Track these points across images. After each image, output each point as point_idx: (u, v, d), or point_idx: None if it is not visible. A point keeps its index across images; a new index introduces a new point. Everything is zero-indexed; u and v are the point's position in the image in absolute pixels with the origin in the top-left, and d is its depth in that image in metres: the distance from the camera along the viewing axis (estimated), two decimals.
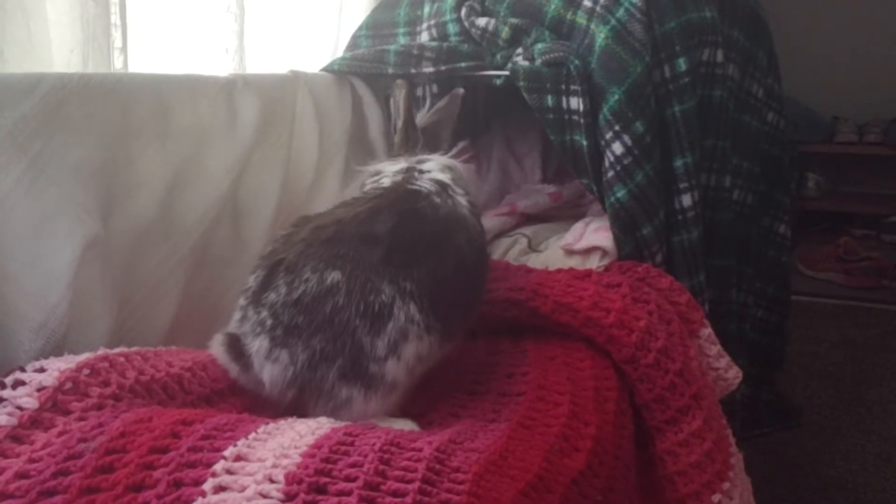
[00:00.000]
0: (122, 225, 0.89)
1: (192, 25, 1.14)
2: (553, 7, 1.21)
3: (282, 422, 0.65)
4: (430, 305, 0.74)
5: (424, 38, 1.33)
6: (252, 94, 1.06)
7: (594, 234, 1.18)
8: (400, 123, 0.99)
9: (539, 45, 1.17)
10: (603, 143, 1.12)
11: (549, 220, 1.42)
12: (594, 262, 1.15)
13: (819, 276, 2.88)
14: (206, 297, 1.02)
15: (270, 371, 0.72)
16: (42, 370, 0.67)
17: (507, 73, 1.20)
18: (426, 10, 1.34)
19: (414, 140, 1.00)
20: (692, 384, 0.90)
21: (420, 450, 0.58)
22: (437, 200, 0.83)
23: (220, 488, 0.53)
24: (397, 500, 0.52)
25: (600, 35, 1.12)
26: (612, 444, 0.75)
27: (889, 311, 2.59)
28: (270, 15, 1.32)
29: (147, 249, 0.92)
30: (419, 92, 1.47)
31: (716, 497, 0.87)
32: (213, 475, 0.54)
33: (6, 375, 0.66)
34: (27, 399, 0.63)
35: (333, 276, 0.72)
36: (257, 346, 0.73)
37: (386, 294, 0.72)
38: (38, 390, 0.64)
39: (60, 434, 0.60)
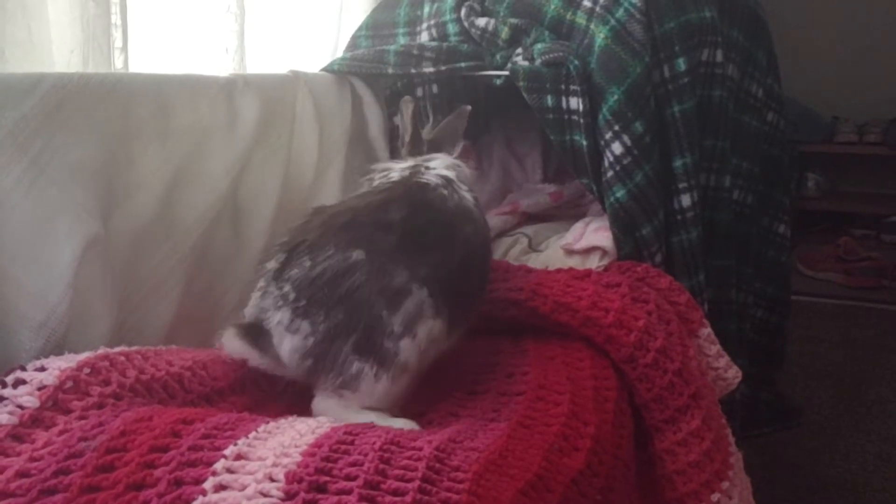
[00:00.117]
0: (122, 224, 0.89)
1: (192, 25, 1.15)
2: (553, 7, 1.21)
3: (282, 421, 0.65)
4: (440, 291, 0.77)
5: (424, 38, 1.33)
6: (252, 94, 1.07)
7: (594, 233, 1.18)
8: (407, 138, 1.01)
9: (539, 46, 1.18)
10: (602, 143, 1.12)
11: (549, 220, 1.42)
12: (594, 262, 1.16)
13: (819, 276, 2.88)
14: (206, 296, 1.03)
15: (290, 341, 0.74)
16: (43, 369, 0.67)
17: (506, 73, 1.20)
18: (426, 10, 1.34)
19: (420, 152, 1.01)
20: (691, 384, 0.90)
21: (420, 449, 0.58)
22: (445, 193, 0.87)
23: (221, 487, 0.54)
24: (397, 498, 0.52)
25: (600, 35, 1.12)
26: (612, 443, 0.75)
27: (889, 311, 2.59)
28: (271, 15, 1.32)
29: (147, 249, 0.93)
30: (419, 92, 1.47)
31: (715, 496, 0.88)
32: (214, 474, 0.54)
33: (7, 374, 0.66)
34: (28, 398, 0.63)
35: (356, 254, 0.74)
36: (279, 317, 0.75)
37: (402, 276, 0.75)
38: (39, 389, 0.64)
39: (61, 433, 0.60)
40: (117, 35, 0.95)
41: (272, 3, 1.32)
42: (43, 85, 0.78)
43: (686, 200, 1.15)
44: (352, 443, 0.58)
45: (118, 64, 0.96)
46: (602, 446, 0.72)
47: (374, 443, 0.58)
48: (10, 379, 0.65)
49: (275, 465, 0.55)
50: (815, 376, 2.09)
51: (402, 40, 1.36)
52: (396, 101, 1.38)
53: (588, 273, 1.03)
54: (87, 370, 0.68)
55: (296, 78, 1.19)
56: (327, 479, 0.54)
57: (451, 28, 1.29)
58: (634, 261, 1.13)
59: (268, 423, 0.63)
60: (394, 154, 1.27)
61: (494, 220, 1.36)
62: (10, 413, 0.62)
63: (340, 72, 1.30)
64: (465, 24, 1.27)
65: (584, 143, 1.13)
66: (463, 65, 1.25)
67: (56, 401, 0.64)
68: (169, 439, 0.58)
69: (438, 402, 0.82)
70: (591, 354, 0.90)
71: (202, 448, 0.57)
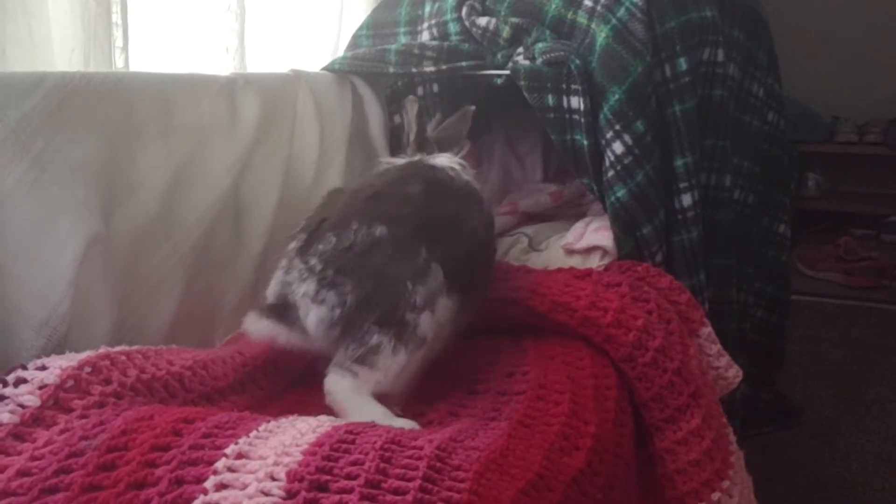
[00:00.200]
0: (123, 223, 0.89)
1: (193, 24, 1.14)
2: (554, 6, 1.21)
3: (283, 420, 0.65)
4: (452, 272, 0.80)
5: (425, 37, 1.33)
6: (253, 93, 1.07)
7: (594, 233, 1.18)
8: (412, 136, 1.02)
9: (540, 45, 1.18)
10: (603, 142, 1.12)
11: (549, 220, 1.42)
12: (594, 262, 1.16)
13: (819, 276, 2.88)
14: (206, 295, 1.03)
15: (317, 312, 0.75)
16: (44, 368, 0.67)
17: (507, 72, 1.20)
18: (427, 9, 1.34)
19: (425, 150, 1.01)
20: (690, 383, 0.90)
21: (421, 448, 0.58)
22: (452, 174, 0.91)
23: (222, 486, 0.53)
24: (398, 497, 0.52)
25: (601, 34, 1.12)
26: (613, 442, 0.75)
27: (889, 310, 2.59)
28: (271, 14, 1.32)
29: (148, 248, 0.93)
30: (420, 91, 1.47)
31: (715, 495, 0.88)
32: (215, 473, 0.54)
33: (8, 373, 0.66)
34: (29, 397, 0.63)
35: (380, 229, 0.77)
36: (304, 289, 0.76)
37: (423, 253, 0.78)
38: (40, 388, 0.64)
39: (62, 432, 0.60)
40: (118, 34, 0.95)
41: (273, 2, 1.32)
42: (45, 84, 0.78)
43: (687, 200, 1.15)
44: (353, 442, 0.58)
45: (119, 63, 0.96)
46: (603, 445, 0.72)
47: (375, 442, 0.58)
48: (11, 378, 0.65)
49: (276, 463, 0.55)
50: (815, 376, 2.09)
51: (403, 39, 1.36)
52: (397, 100, 1.38)
53: (588, 272, 1.03)
54: (88, 369, 0.68)
55: (297, 77, 1.19)
56: (328, 477, 0.54)
57: (453, 27, 1.29)
58: (635, 260, 1.13)
59: (269, 422, 0.63)
60: (394, 153, 1.27)
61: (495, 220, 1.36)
62: (12, 412, 0.62)
63: (341, 71, 1.30)
64: (467, 23, 1.27)
65: (585, 142, 1.13)
66: (464, 64, 1.25)
67: (57, 400, 0.64)
68: (170, 438, 0.58)
69: (439, 402, 0.82)
70: (590, 354, 0.90)
71: (203, 447, 0.57)
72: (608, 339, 0.90)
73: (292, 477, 0.54)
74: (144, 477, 0.54)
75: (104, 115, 0.85)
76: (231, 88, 1.04)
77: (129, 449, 0.57)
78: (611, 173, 1.12)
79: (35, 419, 0.62)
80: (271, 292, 0.81)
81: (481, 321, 0.93)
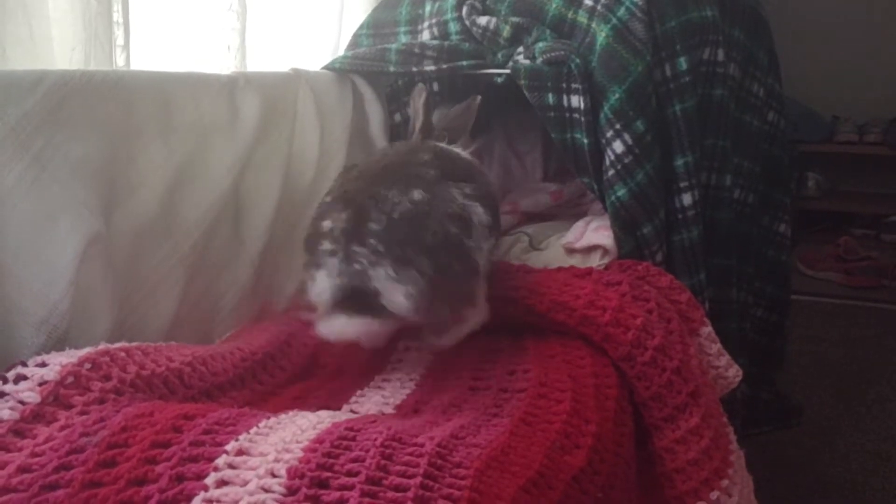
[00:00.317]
0: (123, 222, 0.89)
1: (194, 23, 1.14)
2: (554, 6, 1.21)
3: (283, 416, 0.65)
4: (487, 206, 0.87)
5: (426, 36, 1.33)
6: (253, 92, 1.07)
7: (595, 232, 1.19)
8: (418, 125, 1.02)
9: (540, 44, 1.18)
10: (604, 141, 1.12)
11: (550, 219, 1.42)
12: (595, 261, 1.16)
13: (819, 276, 2.88)
14: (206, 294, 1.03)
15: (404, 290, 0.76)
16: (44, 364, 0.67)
17: (508, 71, 1.20)
18: (427, 8, 1.34)
19: (431, 138, 1.03)
20: (690, 382, 0.90)
21: (422, 445, 0.58)
22: (458, 151, 0.97)
23: (223, 482, 0.54)
24: (399, 494, 0.52)
25: (601, 34, 1.12)
26: (613, 441, 0.75)
27: (889, 310, 2.59)
28: (272, 13, 1.32)
29: (148, 247, 0.92)
30: None
31: (714, 494, 0.87)
32: (216, 469, 0.54)
33: (8, 370, 0.66)
34: (29, 393, 0.63)
35: (416, 193, 0.80)
36: (383, 273, 0.76)
37: (458, 199, 0.83)
38: (40, 384, 0.64)
39: (62, 428, 0.60)
40: (119, 32, 0.95)
41: (274, 1, 1.32)
42: (45, 82, 0.78)
43: (687, 199, 1.15)
44: (353, 438, 0.58)
45: (120, 62, 0.96)
46: (603, 444, 0.72)
47: (375, 439, 0.58)
48: (11, 374, 0.65)
49: (276, 460, 0.55)
50: (815, 376, 2.09)
51: (403, 39, 1.36)
52: (397, 99, 1.38)
53: (588, 271, 1.03)
54: (87, 365, 0.68)
55: (297, 76, 1.19)
56: (329, 474, 0.54)
57: (453, 27, 1.29)
58: (635, 259, 1.13)
59: (269, 418, 0.63)
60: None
61: None
62: (12, 408, 0.62)
63: (342, 70, 1.30)
64: (467, 22, 1.27)
65: (585, 141, 1.13)
66: (464, 63, 1.25)
67: (57, 396, 0.64)
68: (170, 435, 0.58)
69: (440, 398, 0.82)
70: (591, 352, 0.90)
71: (203, 443, 0.57)
72: (607, 338, 0.90)
73: (293, 473, 0.54)
74: (145, 473, 0.54)
75: (104, 113, 0.85)
76: (231, 87, 1.04)
77: (130, 445, 0.57)
78: (611, 172, 1.12)
79: (35, 416, 0.62)
80: (335, 288, 0.78)
81: None
